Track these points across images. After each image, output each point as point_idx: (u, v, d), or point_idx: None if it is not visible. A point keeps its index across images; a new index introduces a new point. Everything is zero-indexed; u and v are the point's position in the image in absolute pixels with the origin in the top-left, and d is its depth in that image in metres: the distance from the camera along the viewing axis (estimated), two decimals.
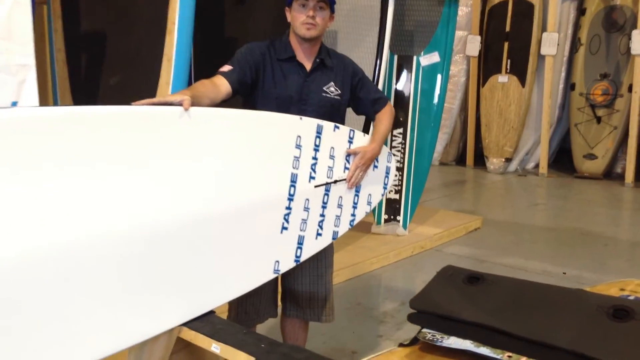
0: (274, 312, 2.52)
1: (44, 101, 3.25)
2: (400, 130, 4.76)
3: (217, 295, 1.97)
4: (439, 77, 4.72)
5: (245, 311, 2.42)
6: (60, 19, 3.28)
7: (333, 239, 2.37)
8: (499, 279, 1.64)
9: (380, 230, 4.85)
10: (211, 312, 1.96)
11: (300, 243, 2.22)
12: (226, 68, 2.24)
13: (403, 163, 4.78)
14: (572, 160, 7.73)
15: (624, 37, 7.30)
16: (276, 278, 2.45)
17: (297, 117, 2.18)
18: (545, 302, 1.50)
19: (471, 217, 5.54)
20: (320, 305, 2.52)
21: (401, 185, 4.80)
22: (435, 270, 2.14)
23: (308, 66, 2.35)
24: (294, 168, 2.16)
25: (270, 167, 2.10)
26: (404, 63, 4.75)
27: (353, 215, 2.44)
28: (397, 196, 4.83)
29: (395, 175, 4.79)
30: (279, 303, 2.54)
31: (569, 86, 7.80)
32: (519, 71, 7.81)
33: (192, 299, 1.90)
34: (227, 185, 1.95)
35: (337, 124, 2.31)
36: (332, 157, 2.29)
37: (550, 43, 7.60)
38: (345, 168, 2.36)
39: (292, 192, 2.16)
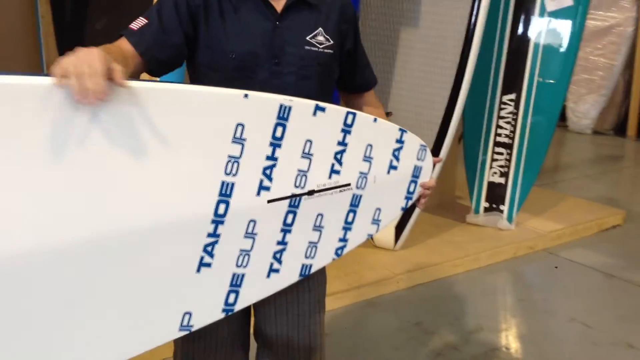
0: (241, 358, 1.78)
1: (29, 47, 2.77)
2: (512, 96, 3.68)
3: None
4: (570, 26, 3.55)
5: (192, 358, 1.71)
6: None
7: (302, 275, 1.55)
8: None
9: (477, 221, 3.87)
10: None
11: (235, 284, 1.44)
12: (137, 23, 1.45)
13: (513, 138, 3.71)
14: None
15: None
16: (247, 309, 1.70)
17: (238, 92, 1.33)
18: None
19: (610, 209, 4.31)
20: (303, 356, 1.73)
21: (509, 165, 3.75)
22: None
23: (279, 4, 1.51)
24: (227, 174, 1.35)
25: (179, 173, 1.30)
26: (524, 6, 3.61)
27: (343, 239, 1.59)
28: (502, 180, 3.79)
29: (501, 154, 3.75)
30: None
31: None
32: None
33: None
34: (87, 203, 1.20)
35: (321, 104, 1.44)
36: (307, 155, 1.45)
37: None
38: (333, 171, 1.50)
39: (221, 211, 1.35)
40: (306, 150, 1.44)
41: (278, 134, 1.38)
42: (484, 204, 3.84)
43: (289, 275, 1.53)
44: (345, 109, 1.49)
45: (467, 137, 3.82)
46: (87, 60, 1.08)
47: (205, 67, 1.51)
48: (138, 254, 1.27)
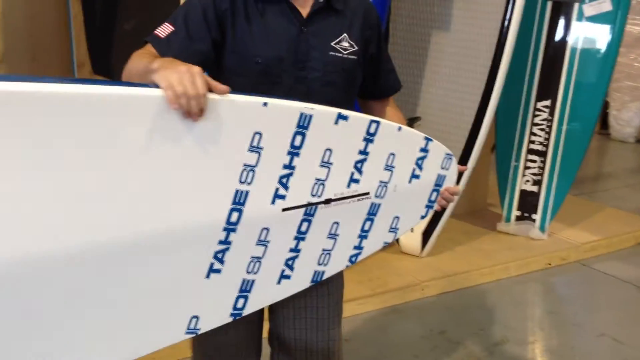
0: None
1: (62, 46, 2.83)
2: (547, 102, 3.59)
3: None
4: (609, 31, 3.44)
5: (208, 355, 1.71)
6: None
7: (314, 282, 1.54)
8: None
9: (508, 230, 3.78)
10: None
11: (245, 290, 1.42)
12: (163, 30, 1.43)
13: (547, 146, 3.62)
14: None
15: None
16: (261, 313, 1.70)
17: (257, 100, 1.30)
18: None
19: None
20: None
21: (542, 174, 3.66)
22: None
23: (305, 9, 1.50)
24: (242, 183, 1.31)
25: (192, 181, 1.27)
26: (561, 11, 3.53)
27: (358, 247, 1.57)
28: (535, 188, 3.70)
29: (535, 162, 3.67)
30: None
31: None
32: None
33: None
34: (108, 208, 1.19)
35: (344, 112, 1.40)
36: (326, 164, 1.41)
37: None
38: (352, 180, 1.47)
39: (233, 219, 1.32)
40: (325, 159, 1.40)
41: (297, 142, 1.34)
42: (515, 212, 3.76)
43: (300, 282, 1.51)
44: (368, 117, 1.45)
45: (499, 144, 3.75)
46: (191, 79, 1.15)
47: (230, 71, 1.49)
48: (148, 259, 1.26)
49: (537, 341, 2.85)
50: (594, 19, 3.46)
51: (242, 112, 1.28)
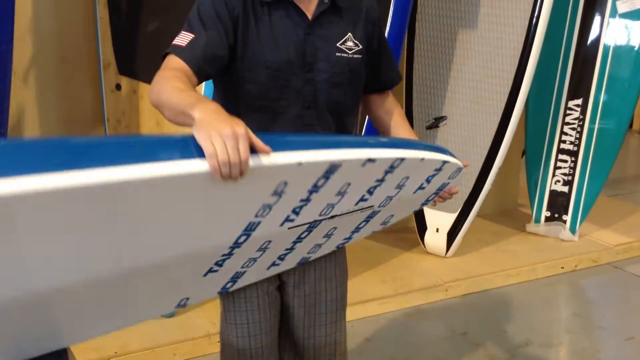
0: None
1: (89, 47, 2.90)
2: (579, 101, 3.51)
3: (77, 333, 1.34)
4: None
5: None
6: None
7: (298, 264, 1.58)
8: None
9: (537, 231, 3.72)
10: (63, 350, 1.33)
11: (236, 278, 1.47)
12: (183, 39, 1.42)
13: (579, 145, 3.54)
14: None
15: None
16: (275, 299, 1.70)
17: (292, 161, 1.21)
18: None
19: None
20: (328, 352, 1.74)
21: (573, 174, 3.58)
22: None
23: (310, 11, 1.50)
24: (257, 217, 1.29)
25: (210, 218, 1.24)
26: (593, 8, 3.44)
27: (348, 239, 1.61)
28: (565, 188, 3.62)
29: (565, 162, 3.60)
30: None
31: None
32: None
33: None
34: (142, 241, 1.17)
35: (373, 156, 1.32)
36: (341, 193, 1.38)
37: None
38: (362, 200, 1.44)
39: (241, 241, 1.32)
40: (342, 190, 1.37)
41: (320, 183, 1.30)
42: (545, 212, 3.69)
43: (286, 267, 1.55)
44: (394, 156, 1.38)
45: (529, 144, 3.68)
46: (235, 145, 1.07)
47: (240, 77, 1.49)
48: (157, 271, 1.28)
49: (561, 344, 2.80)
50: (627, 15, 3.37)
51: (275, 169, 1.21)
